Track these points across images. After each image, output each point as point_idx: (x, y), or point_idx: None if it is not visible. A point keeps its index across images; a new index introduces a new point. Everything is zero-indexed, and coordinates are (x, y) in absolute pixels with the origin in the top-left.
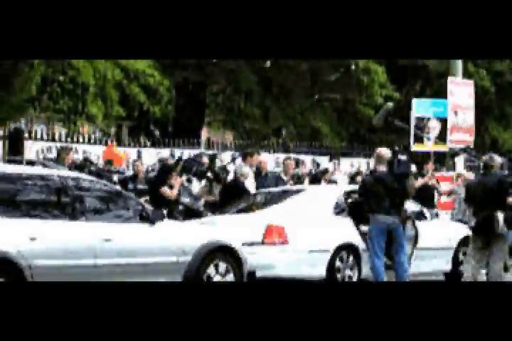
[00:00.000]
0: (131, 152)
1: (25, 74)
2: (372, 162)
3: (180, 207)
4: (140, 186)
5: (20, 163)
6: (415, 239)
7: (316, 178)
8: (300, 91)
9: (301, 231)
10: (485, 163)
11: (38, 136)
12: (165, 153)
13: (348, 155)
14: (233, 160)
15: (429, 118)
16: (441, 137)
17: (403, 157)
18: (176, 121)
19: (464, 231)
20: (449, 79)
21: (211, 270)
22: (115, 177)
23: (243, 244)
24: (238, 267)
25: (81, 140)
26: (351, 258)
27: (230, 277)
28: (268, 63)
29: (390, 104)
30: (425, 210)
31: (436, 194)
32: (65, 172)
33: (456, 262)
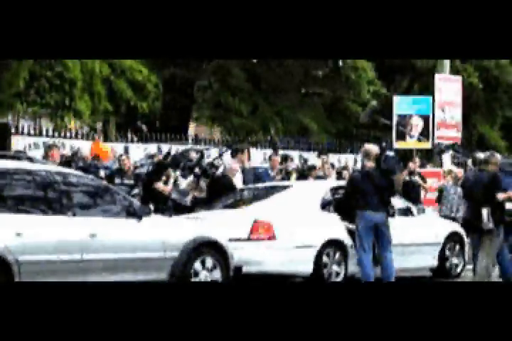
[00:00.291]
0: (119, 147)
1: (13, 69)
2: (359, 158)
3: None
4: (126, 181)
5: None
6: None
7: (303, 174)
8: (288, 88)
9: (288, 227)
10: (485, 159)
11: (25, 131)
12: (152, 148)
13: (335, 152)
14: (220, 155)
15: (411, 116)
16: (424, 134)
17: (391, 153)
18: (164, 116)
19: (450, 227)
20: (437, 75)
21: (198, 265)
22: (102, 173)
23: (230, 240)
24: (225, 262)
25: (68, 135)
26: (338, 254)
27: (217, 272)
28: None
29: (374, 102)
30: (412, 206)
31: (422, 190)
32: (52, 168)
33: (442, 258)
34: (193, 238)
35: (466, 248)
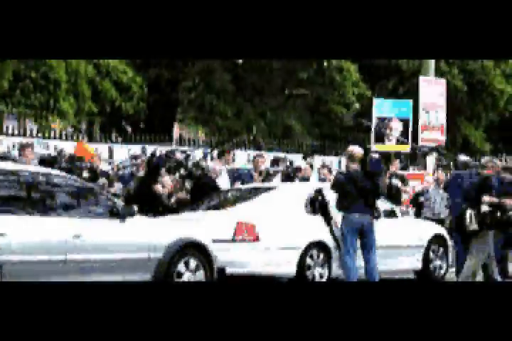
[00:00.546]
0: (103, 148)
1: None
2: (343, 160)
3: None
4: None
5: None
6: None
7: (289, 176)
8: (272, 89)
9: (272, 229)
10: (482, 164)
11: (10, 132)
12: (136, 149)
13: (319, 153)
14: (205, 156)
15: (391, 119)
16: (403, 138)
17: (375, 155)
18: (148, 117)
19: (434, 229)
20: (421, 78)
21: (181, 266)
22: (85, 173)
23: (214, 241)
24: (208, 264)
25: (52, 135)
26: (322, 255)
27: (200, 273)
28: (240, 61)
29: (357, 105)
30: (396, 208)
31: (403, 193)
32: (36, 168)
33: (426, 260)
34: (176, 239)
35: (450, 250)
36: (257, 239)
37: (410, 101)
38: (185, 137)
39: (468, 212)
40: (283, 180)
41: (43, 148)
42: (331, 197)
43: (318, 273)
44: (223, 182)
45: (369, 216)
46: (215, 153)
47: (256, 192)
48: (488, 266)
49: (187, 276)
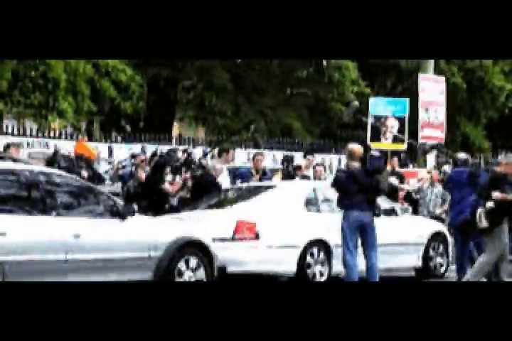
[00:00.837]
0: (102, 147)
1: None
2: (343, 158)
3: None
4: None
5: None
6: None
7: (289, 174)
8: (271, 88)
9: (272, 227)
10: (497, 161)
11: (9, 131)
12: (136, 148)
13: (319, 152)
14: (205, 155)
15: (386, 117)
16: (399, 136)
17: (376, 153)
18: (147, 116)
19: (434, 227)
20: (420, 75)
21: (182, 265)
22: (84, 173)
23: (214, 240)
24: (209, 262)
25: (52, 135)
26: (322, 254)
27: (201, 272)
28: (239, 60)
29: (356, 102)
30: (396, 206)
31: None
32: (36, 167)
33: (426, 258)
34: (176, 238)
35: (450, 248)
36: (257, 237)
37: (406, 100)
38: (184, 136)
39: (479, 210)
40: (283, 179)
41: (42, 147)
42: (332, 195)
43: (319, 271)
44: (224, 180)
45: (370, 213)
46: (216, 151)
47: (256, 190)
48: (498, 265)
49: (187, 275)
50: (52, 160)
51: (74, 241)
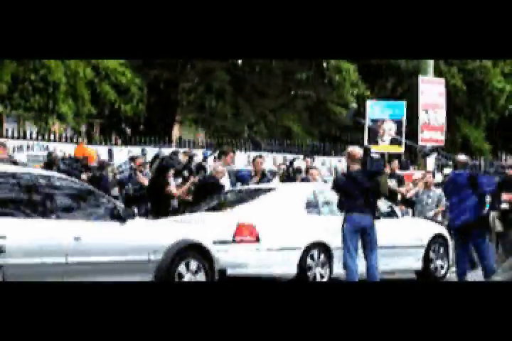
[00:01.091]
0: (102, 150)
1: None
2: (343, 160)
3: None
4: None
5: None
6: None
7: (289, 176)
8: (271, 90)
9: (272, 229)
10: (509, 164)
11: (9, 134)
12: (136, 151)
13: (319, 154)
14: (205, 158)
15: (383, 120)
16: (397, 139)
17: (376, 155)
18: (148, 119)
19: (434, 229)
20: (420, 77)
21: (182, 268)
22: (84, 176)
23: (214, 242)
24: (209, 265)
25: (52, 138)
26: (322, 256)
27: (201, 275)
28: (240, 61)
29: (354, 104)
30: (396, 208)
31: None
32: (36, 170)
33: (427, 260)
34: (177, 241)
35: (451, 250)
36: (257, 239)
37: (404, 102)
38: (185, 138)
39: (492, 214)
40: (283, 181)
41: (42, 150)
42: (332, 197)
43: (319, 273)
44: (225, 183)
45: (370, 216)
46: (217, 154)
47: (256, 193)
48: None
49: (188, 278)
50: (49, 163)
51: (74, 244)
